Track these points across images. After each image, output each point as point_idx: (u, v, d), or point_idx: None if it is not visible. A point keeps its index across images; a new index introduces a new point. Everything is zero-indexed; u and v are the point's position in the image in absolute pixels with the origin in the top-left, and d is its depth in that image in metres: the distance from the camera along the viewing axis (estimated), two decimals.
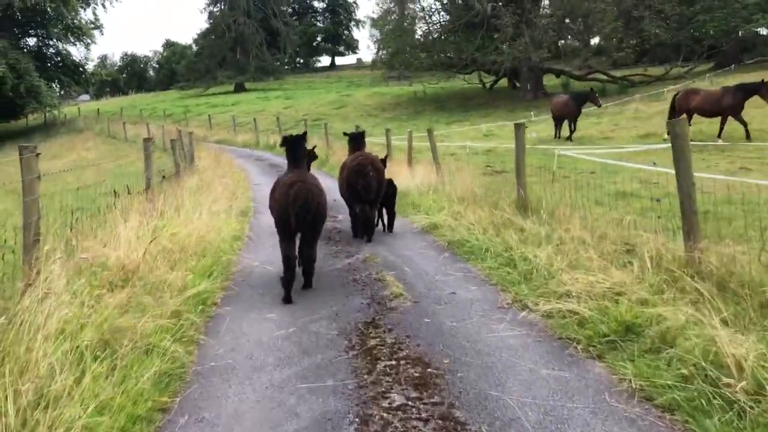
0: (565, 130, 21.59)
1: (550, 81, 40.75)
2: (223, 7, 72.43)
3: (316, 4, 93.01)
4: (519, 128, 8.90)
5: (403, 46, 40.75)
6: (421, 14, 43.24)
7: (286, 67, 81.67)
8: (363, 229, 8.65)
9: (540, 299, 5.38)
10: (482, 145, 22.01)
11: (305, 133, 7.16)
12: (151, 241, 6.23)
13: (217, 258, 7.24)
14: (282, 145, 7.04)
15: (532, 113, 26.94)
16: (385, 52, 44.82)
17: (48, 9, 43.87)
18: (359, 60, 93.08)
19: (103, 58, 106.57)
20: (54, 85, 46.86)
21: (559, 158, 16.38)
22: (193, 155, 18.28)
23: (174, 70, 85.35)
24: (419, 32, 43.06)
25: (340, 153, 17.42)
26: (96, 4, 51.97)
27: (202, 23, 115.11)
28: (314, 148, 9.06)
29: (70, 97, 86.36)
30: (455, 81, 42.40)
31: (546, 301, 5.27)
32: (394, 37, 41.91)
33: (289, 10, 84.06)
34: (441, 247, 8.05)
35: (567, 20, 36.30)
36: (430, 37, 42.09)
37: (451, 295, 5.96)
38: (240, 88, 67.41)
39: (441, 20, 43.01)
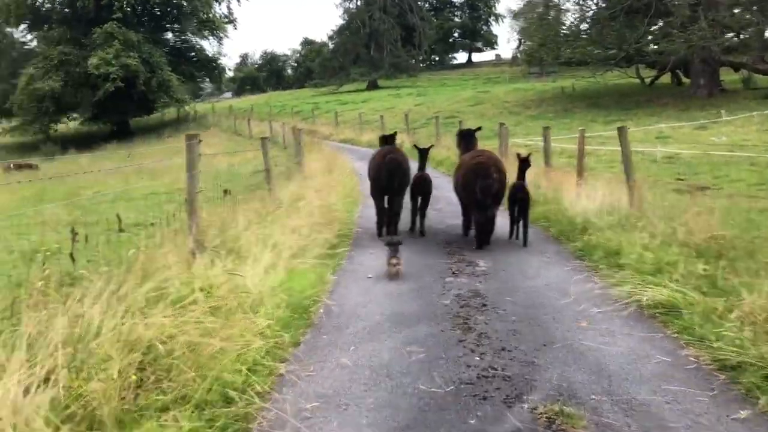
0: None
1: (725, 76, 34.23)
2: (359, 2, 70.50)
3: None
4: None
5: (550, 36, 35.86)
6: (573, 1, 37.97)
7: (421, 64, 78.39)
8: (479, 236, 7.77)
9: None
10: (659, 150, 17.35)
11: (396, 133, 9.81)
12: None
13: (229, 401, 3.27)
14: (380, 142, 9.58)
15: (723, 111, 21.37)
16: (528, 44, 40.10)
17: (183, 3, 43.59)
18: (498, 56, 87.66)
19: (245, 57, 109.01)
20: (186, 81, 46.63)
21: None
22: (302, 158, 15.00)
23: (310, 68, 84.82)
24: (570, 20, 37.90)
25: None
26: None
27: (338, 20, 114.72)
28: (430, 147, 9.73)
29: (213, 95, 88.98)
30: (607, 76, 36.97)
31: None
32: (539, 26, 37.06)
33: (426, 4, 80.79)
34: (714, 378, 3.71)
35: None
36: (583, 26, 36.84)
37: None
38: (373, 86, 65.13)
39: (596, 6, 37.46)
